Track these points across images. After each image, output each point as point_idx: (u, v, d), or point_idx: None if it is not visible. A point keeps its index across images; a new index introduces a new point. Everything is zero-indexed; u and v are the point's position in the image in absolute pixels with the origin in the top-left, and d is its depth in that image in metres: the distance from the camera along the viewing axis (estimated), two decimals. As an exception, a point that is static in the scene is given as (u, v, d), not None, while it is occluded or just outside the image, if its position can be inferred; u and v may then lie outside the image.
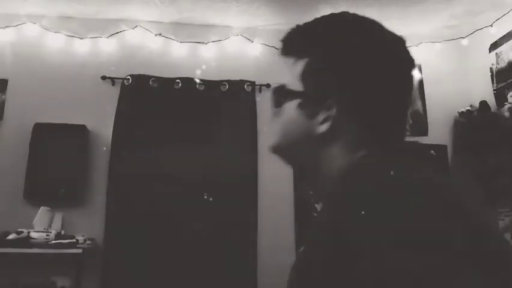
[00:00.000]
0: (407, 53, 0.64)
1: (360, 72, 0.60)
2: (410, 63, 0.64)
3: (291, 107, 0.64)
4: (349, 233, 0.47)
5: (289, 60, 0.66)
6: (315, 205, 3.08)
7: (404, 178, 0.53)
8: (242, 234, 2.92)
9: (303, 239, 0.99)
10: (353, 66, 0.60)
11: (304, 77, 0.63)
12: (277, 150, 0.67)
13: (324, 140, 0.61)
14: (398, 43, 0.64)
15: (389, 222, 0.46)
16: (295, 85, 0.63)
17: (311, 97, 0.62)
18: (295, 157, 0.67)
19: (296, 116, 0.63)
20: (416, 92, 3.36)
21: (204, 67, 3.19)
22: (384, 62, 0.61)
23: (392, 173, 0.54)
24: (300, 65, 0.63)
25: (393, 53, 0.63)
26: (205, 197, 2.92)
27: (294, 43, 0.67)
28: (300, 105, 0.62)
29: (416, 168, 0.57)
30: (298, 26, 0.67)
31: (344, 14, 0.66)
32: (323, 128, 0.60)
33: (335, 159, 0.61)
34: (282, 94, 0.65)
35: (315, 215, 3.08)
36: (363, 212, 0.47)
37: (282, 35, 0.69)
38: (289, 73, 0.65)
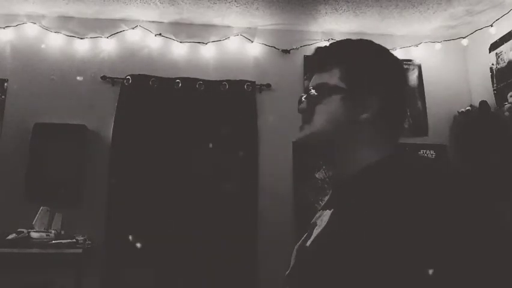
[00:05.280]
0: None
1: (390, 78, 0.79)
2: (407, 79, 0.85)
3: (332, 100, 0.78)
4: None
5: (328, 67, 0.80)
6: (315, 205, 3.08)
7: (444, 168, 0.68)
8: (242, 234, 2.92)
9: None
10: (386, 73, 0.79)
11: (348, 78, 0.77)
12: (319, 132, 0.79)
13: (362, 125, 0.76)
14: (401, 62, 0.84)
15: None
16: (340, 83, 0.78)
17: (355, 93, 0.76)
18: (336, 137, 0.79)
19: (340, 107, 0.77)
20: (416, 92, 3.36)
21: (203, 67, 3.19)
22: (402, 73, 0.84)
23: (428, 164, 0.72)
24: (339, 71, 0.78)
25: (403, 68, 0.84)
26: (205, 196, 2.92)
27: (333, 53, 0.82)
28: (343, 99, 0.77)
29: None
30: (332, 43, 0.85)
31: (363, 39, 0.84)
32: (364, 116, 0.76)
33: (367, 144, 0.76)
34: (325, 90, 0.79)
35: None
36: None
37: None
38: (328, 75, 0.79)
